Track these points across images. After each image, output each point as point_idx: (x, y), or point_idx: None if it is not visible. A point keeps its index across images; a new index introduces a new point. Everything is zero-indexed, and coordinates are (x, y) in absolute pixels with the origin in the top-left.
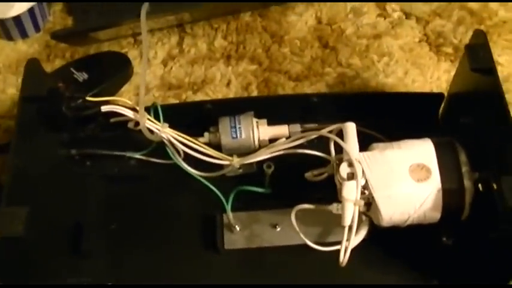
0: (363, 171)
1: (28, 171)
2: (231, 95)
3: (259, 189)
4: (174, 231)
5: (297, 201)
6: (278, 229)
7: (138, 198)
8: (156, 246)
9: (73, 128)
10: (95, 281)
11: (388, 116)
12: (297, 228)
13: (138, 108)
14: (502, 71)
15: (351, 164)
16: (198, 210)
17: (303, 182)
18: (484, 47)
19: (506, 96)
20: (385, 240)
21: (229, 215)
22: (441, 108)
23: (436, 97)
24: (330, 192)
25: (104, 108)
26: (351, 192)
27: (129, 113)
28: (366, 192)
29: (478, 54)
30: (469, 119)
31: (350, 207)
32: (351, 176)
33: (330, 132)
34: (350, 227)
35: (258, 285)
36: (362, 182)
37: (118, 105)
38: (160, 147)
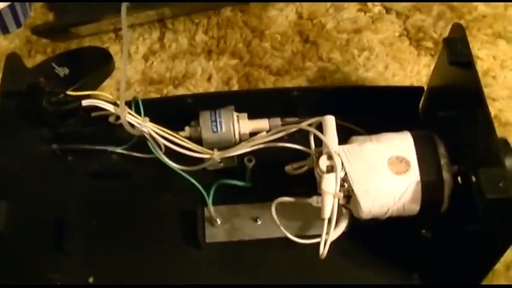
0: (342, 164)
1: (8, 167)
2: (212, 90)
3: (240, 183)
4: (155, 224)
5: (277, 194)
6: (259, 222)
7: (119, 193)
8: (138, 241)
9: (54, 123)
10: (75, 276)
11: (369, 110)
12: (278, 221)
13: (119, 102)
14: (481, 65)
15: (330, 157)
16: (179, 204)
17: (284, 175)
18: (462, 40)
19: (486, 90)
20: (365, 233)
21: (210, 209)
22: (421, 102)
23: (416, 91)
24: (311, 185)
25: (85, 103)
26: (330, 184)
27: (110, 107)
28: (346, 184)
29: (456, 47)
30: (448, 112)
31: (329, 200)
32: (331, 169)
33: (310, 125)
34: (330, 220)
35: (239, 284)
36: (341, 174)
37: (99, 99)
38: (141, 142)
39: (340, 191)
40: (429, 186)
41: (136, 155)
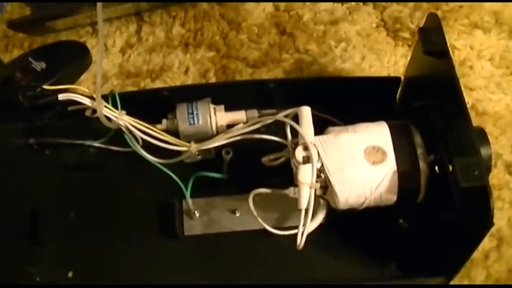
0: (318, 154)
1: None
2: (189, 82)
3: (218, 175)
4: (133, 218)
5: (255, 186)
6: (237, 214)
7: (97, 186)
8: (116, 234)
9: (30, 117)
10: (53, 269)
11: (346, 101)
12: (255, 213)
13: (95, 96)
14: (458, 55)
15: (306, 148)
16: (157, 196)
17: (261, 167)
18: (437, 30)
19: (463, 80)
20: (342, 224)
21: (189, 201)
22: (398, 92)
23: (393, 81)
24: (288, 176)
25: (61, 97)
26: (306, 175)
27: (87, 101)
28: (322, 175)
29: (430, 37)
30: (424, 102)
31: (306, 190)
32: (307, 160)
33: (286, 116)
34: (306, 210)
35: (217, 277)
36: (318, 165)
37: (75, 93)
38: (119, 135)
39: (316, 181)
40: (406, 176)
41: (113, 148)
